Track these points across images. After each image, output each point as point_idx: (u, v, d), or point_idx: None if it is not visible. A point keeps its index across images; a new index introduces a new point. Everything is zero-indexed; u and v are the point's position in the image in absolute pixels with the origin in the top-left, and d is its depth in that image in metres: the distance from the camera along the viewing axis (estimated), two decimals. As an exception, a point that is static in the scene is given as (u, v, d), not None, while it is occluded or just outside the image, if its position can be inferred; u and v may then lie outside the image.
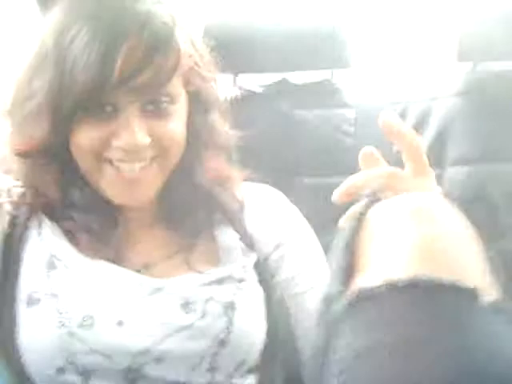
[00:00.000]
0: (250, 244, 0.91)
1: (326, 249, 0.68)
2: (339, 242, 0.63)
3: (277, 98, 1.31)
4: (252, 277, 0.88)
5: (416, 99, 1.32)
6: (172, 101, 0.81)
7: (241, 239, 0.90)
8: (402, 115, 1.30)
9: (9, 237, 0.84)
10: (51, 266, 0.82)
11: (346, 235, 0.62)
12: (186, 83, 0.84)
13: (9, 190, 0.87)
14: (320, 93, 1.33)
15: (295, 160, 1.27)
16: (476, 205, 1.20)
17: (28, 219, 0.86)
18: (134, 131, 0.78)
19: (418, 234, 0.58)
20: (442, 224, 0.59)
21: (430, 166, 1.27)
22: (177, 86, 0.82)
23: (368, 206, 0.64)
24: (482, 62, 1.31)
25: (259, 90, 1.34)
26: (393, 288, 0.53)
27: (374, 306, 0.54)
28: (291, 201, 0.94)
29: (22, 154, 0.84)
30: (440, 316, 0.52)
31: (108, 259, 0.83)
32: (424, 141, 1.26)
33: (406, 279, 0.53)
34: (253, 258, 0.89)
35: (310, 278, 0.89)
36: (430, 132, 1.27)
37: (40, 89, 0.80)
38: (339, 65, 1.33)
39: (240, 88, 1.34)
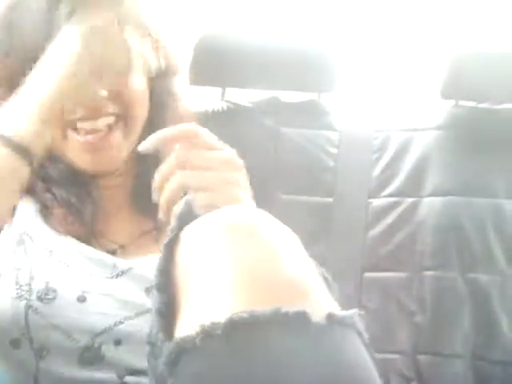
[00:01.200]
0: None
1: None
2: (154, 282, 0.57)
3: (264, 114, 1.33)
4: None
5: (399, 128, 1.34)
6: None
7: None
8: (384, 143, 1.32)
9: None
10: (20, 242, 0.83)
11: (157, 271, 0.56)
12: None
13: None
14: (307, 113, 1.35)
15: (276, 176, 1.28)
16: (450, 235, 1.22)
17: None
18: None
19: (234, 257, 0.51)
20: (264, 241, 0.52)
21: (408, 195, 1.29)
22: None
23: (179, 229, 0.57)
24: (463, 101, 1.34)
25: (247, 104, 1.35)
26: (207, 337, 0.46)
27: (193, 361, 0.47)
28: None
29: None
30: (268, 358, 0.45)
31: (80, 236, 0.84)
32: (404, 170, 1.29)
33: (219, 324, 0.46)
34: None
35: None
36: (410, 161, 1.29)
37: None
38: (325, 88, 1.35)
39: (227, 101, 1.35)
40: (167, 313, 0.53)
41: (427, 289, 1.20)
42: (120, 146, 0.85)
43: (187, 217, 0.58)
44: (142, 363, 0.76)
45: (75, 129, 0.83)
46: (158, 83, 0.90)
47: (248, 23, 1.40)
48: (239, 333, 0.46)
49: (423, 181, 1.28)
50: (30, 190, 0.86)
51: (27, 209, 0.85)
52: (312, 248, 0.61)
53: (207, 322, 0.47)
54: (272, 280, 0.49)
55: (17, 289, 0.78)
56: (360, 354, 0.49)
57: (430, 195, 1.26)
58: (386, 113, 1.40)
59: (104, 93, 0.80)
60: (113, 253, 0.85)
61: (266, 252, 0.51)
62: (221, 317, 0.46)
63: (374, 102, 1.53)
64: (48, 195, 0.86)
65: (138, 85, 0.86)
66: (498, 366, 1.16)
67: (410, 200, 1.26)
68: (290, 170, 1.29)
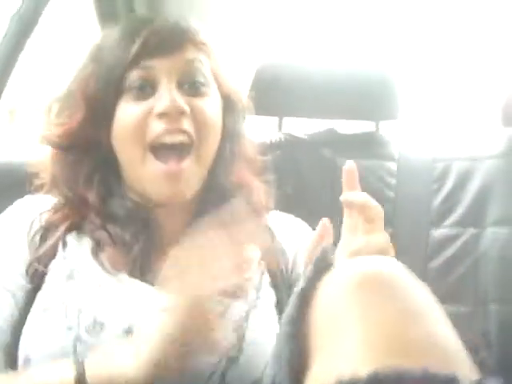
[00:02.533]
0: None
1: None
2: (282, 328, 0.55)
3: (321, 145, 1.32)
4: (266, 290, 0.89)
5: (459, 158, 1.31)
6: (205, 84, 0.87)
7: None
8: (444, 173, 1.29)
9: (37, 251, 0.86)
10: (70, 277, 0.84)
11: (290, 318, 0.54)
12: (218, 83, 0.90)
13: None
14: (365, 143, 1.34)
15: (334, 206, 1.27)
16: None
17: (58, 237, 0.87)
18: (173, 96, 0.83)
19: (377, 312, 0.49)
20: (406, 297, 0.50)
21: (470, 225, 1.25)
22: (208, 76, 0.88)
23: (315, 278, 0.56)
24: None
25: (304, 136, 1.34)
26: None
27: None
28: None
29: (57, 143, 0.89)
30: None
31: (129, 272, 0.85)
32: (465, 200, 1.26)
33: (361, 377, 0.44)
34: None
35: None
36: (471, 191, 1.27)
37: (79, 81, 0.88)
38: (383, 116, 1.33)
39: (285, 133, 1.34)
40: (297, 362, 0.52)
41: (492, 323, 1.16)
42: (194, 175, 0.86)
43: (322, 264, 0.57)
44: None
45: (155, 153, 0.84)
46: (229, 124, 0.92)
47: (304, 53, 1.40)
48: None
49: (486, 210, 1.24)
50: (81, 228, 0.88)
51: (79, 245, 0.87)
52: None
53: (346, 376, 0.45)
54: (414, 339, 0.48)
55: (66, 321, 0.79)
56: None
57: (494, 225, 1.22)
58: (446, 141, 1.38)
59: (186, 106, 0.84)
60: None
61: (406, 309, 0.49)
62: (360, 371, 0.44)
63: (432, 130, 1.51)
64: (103, 233, 0.87)
65: (212, 111, 0.88)
66: None
67: (472, 230, 1.23)
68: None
